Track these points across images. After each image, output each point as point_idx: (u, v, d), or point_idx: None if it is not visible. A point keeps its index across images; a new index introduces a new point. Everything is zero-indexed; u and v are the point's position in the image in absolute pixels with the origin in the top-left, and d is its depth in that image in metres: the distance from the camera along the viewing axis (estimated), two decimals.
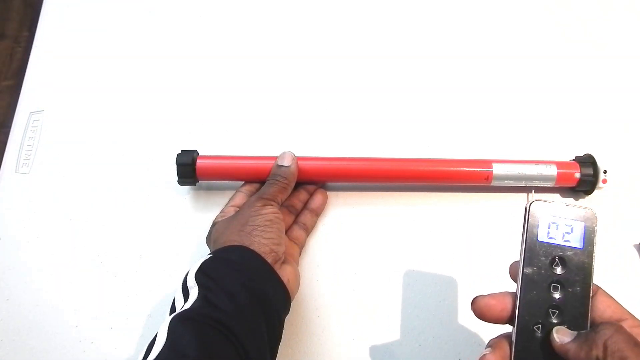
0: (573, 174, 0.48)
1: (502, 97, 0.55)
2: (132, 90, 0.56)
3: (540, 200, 0.31)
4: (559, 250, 0.30)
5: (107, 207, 0.50)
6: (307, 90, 0.56)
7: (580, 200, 0.51)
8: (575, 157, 0.50)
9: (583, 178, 0.48)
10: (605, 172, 0.48)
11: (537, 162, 0.48)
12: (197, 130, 0.54)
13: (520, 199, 0.50)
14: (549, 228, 0.30)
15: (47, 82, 0.57)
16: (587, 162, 0.49)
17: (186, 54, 0.58)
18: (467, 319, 0.45)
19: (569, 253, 0.30)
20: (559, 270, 0.30)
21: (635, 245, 0.48)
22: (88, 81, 0.57)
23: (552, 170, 0.48)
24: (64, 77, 0.57)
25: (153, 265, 0.47)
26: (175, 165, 0.46)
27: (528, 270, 0.30)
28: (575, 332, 0.28)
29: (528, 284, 0.30)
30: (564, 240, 0.30)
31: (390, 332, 0.45)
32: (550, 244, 0.30)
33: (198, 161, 0.47)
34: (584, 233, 0.30)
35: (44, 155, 0.53)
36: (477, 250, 0.48)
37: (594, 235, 0.30)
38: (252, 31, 0.59)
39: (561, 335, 0.29)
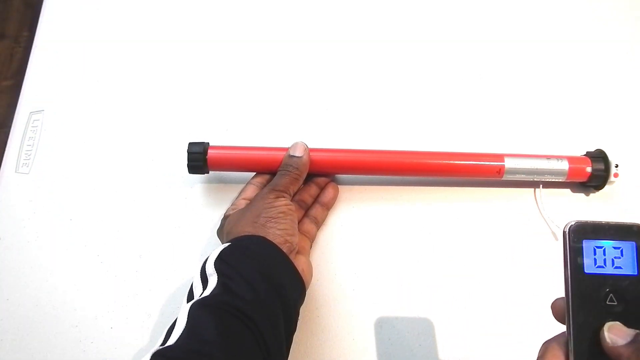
0: (584, 168, 0.49)
1: (513, 91, 0.57)
2: (132, 90, 0.58)
3: (579, 220, 0.26)
4: (610, 282, 0.26)
5: (107, 207, 0.52)
6: (318, 81, 0.57)
7: (591, 195, 0.52)
8: (587, 152, 0.52)
9: (594, 173, 0.49)
10: (617, 166, 0.49)
11: (549, 157, 0.49)
12: (200, 126, 0.56)
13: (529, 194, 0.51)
14: (594, 254, 0.26)
15: (47, 82, 0.59)
16: (599, 156, 0.50)
17: (185, 54, 0.60)
18: (468, 320, 0.46)
19: (624, 283, 0.26)
20: (615, 308, 0.26)
21: None
22: (88, 81, 0.59)
23: (564, 165, 0.49)
24: (64, 77, 0.59)
25: (153, 265, 0.49)
26: (187, 153, 0.48)
27: (577, 312, 0.26)
28: (632, 332, 0.25)
29: (580, 330, 0.25)
30: (615, 268, 0.26)
31: (390, 332, 0.46)
32: (599, 274, 0.26)
33: (209, 151, 0.48)
34: (637, 254, 0.26)
35: (44, 155, 0.55)
36: (482, 248, 0.49)
37: None
38: (258, 19, 0.61)
39: (614, 336, 0.25)
